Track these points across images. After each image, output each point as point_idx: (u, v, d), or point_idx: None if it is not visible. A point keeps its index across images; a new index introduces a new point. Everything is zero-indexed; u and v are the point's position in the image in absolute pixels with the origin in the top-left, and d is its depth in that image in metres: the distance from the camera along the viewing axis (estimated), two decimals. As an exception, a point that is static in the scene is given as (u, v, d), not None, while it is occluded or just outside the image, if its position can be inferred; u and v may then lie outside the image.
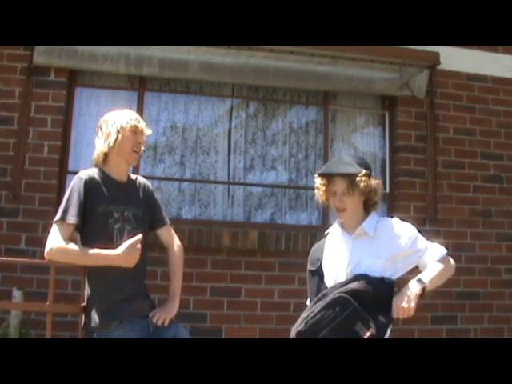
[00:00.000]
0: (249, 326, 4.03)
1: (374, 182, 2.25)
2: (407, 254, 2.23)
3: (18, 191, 3.90)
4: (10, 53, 4.02)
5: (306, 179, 4.57)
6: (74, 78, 4.23)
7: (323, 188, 2.30)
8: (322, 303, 2.07)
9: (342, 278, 2.18)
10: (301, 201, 4.53)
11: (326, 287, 2.20)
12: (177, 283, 2.55)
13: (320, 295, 2.15)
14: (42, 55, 4.01)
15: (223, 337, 3.98)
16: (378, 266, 2.17)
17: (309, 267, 2.36)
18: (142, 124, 2.51)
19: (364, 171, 2.23)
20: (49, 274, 2.42)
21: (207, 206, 4.40)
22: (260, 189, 4.52)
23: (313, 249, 2.43)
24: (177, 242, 2.64)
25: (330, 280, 2.22)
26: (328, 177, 2.28)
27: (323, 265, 2.29)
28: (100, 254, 2.29)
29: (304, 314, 2.13)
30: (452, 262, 2.29)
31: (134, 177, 2.59)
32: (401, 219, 2.36)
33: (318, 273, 2.28)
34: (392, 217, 2.41)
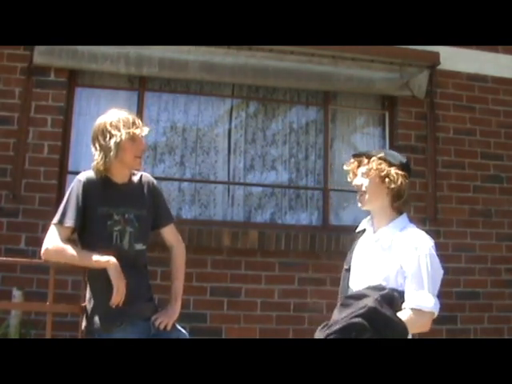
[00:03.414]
0: (249, 326, 4.03)
1: (394, 171, 2.15)
2: (404, 275, 2.06)
3: (18, 191, 3.90)
4: (9, 53, 4.02)
5: (305, 179, 4.57)
6: (74, 78, 4.23)
7: (352, 171, 2.27)
8: (340, 320, 1.91)
9: (359, 285, 2.11)
10: (301, 201, 4.52)
11: (348, 291, 2.15)
12: (179, 284, 2.54)
13: (340, 303, 2.04)
14: (42, 55, 4.01)
15: (223, 337, 3.98)
16: (387, 276, 2.06)
17: (344, 265, 2.29)
18: (139, 129, 2.41)
19: (382, 155, 2.17)
20: (49, 274, 2.43)
21: (207, 205, 4.40)
22: (260, 189, 4.52)
23: (352, 246, 2.34)
24: (180, 241, 2.62)
25: (352, 284, 2.17)
26: (356, 159, 2.25)
27: (352, 266, 2.22)
28: (91, 259, 2.29)
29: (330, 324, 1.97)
30: (426, 323, 2.05)
31: (137, 175, 2.53)
32: (428, 234, 2.20)
33: (348, 272, 2.22)
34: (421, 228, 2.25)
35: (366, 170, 2.19)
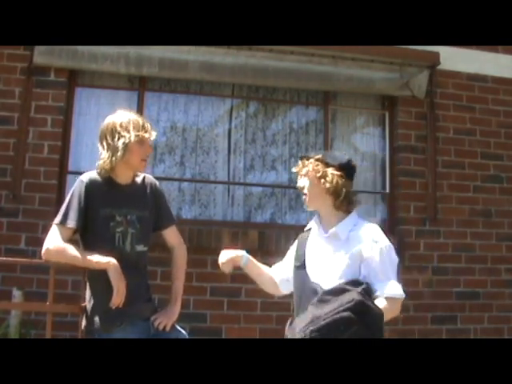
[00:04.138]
0: (249, 326, 4.03)
1: (331, 171, 2.20)
2: (367, 268, 2.12)
3: (18, 191, 3.90)
4: (9, 53, 4.02)
5: (306, 179, 4.56)
6: (74, 78, 4.23)
7: (298, 173, 2.35)
8: (324, 316, 1.95)
9: (324, 280, 2.14)
10: (301, 201, 4.45)
11: (314, 286, 2.16)
12: (179, 285, 2.54)
13: (317, 299, 2.06)
14: (42, 55, 4.01)
15: (223, 337, 3.98)
16: (352, 268, 2.12)
17: (294, 262, 2.33)
18: (148, 133, 2.42)
19: (319, 156, 2.26)
20: (49, 274, 2.43)
21: (207, 205, 4.40)
22: (260, 189, 4.52)
23: (297, 242, 2.40)
24: (182, 242, 2.62)
25: (316, 279, 2.18)
26: (301, 161, 2.33)
27: (307, 262, 2.26)
28: (92, 260, 2.29)
29: (301, 322, 2.00)
30: (398, 309, 2.13)
31: (140, 176, 2.53)
32: (382, 229, 2.24)
33: (302, 268, 2.25)
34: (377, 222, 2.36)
35: (305, 172, 2.28)
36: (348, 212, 2.26)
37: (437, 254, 4.47)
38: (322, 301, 2.03)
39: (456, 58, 4.65)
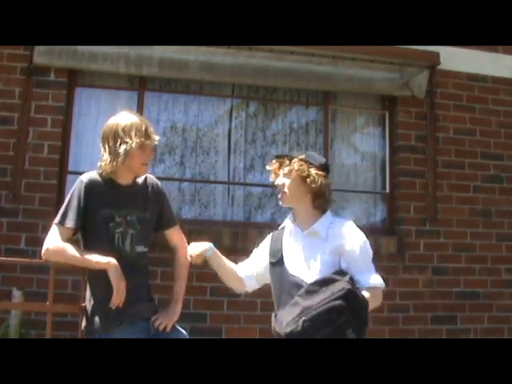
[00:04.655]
0: (249, 326, 4.03)
1: (314, 171, 2.25)
2: (351, 261, 2.19)
3: (18, 191, 3.90)
4: (10, 53, 4.02)
5: (306, 179, 4.56)
6: (74, 78, 4.23)
7: (274, 171, 2.38)
8: (315, 306, 2.01)
9: (308, 273, 2.19)
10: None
11: (295, 280, 2.20)
12: (181, 286, 2.54)
13: (305, 291, 2.11)
14: (42, 55, 4.01)
15: (223, 337, 3.98)
16: (332, 262, 2.18)
17: (270, 258, 2.36)
18: (150, 139, 2.41)
19: (303, 156, 2.29)
20: (49, 274, 2.43)
21: (207, 206, 4.40)
22: (260, 189, 4.52)
23: (270, 239, 2.44)
24: (184, 242, 2.62)
25: (297, 273, 2.22)
26: (278, 160, 2.37)
27: (285, 258, 2.29)
28: (92, 260, 2.29)
29: (290, 314, 2.07)
30: (380, 298, 2.22)
31: (142, 177, 2.52)
32: (357, 226, 2.31)
33: (280, 264, 2.29)
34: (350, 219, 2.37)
35: (288, 171, 2.30)
36: (324, 211, 2.31)
37: (437, 254, 4.47)
38: (310, 292, 2.08)
39: (456, 58, 4.65)
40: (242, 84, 4.51)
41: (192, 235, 3.93)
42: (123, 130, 2.35)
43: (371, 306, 2.12)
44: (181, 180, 4.38)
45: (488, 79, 4.80)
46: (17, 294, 3.38)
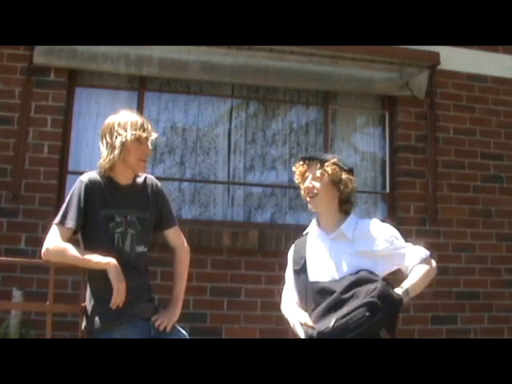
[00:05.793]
0: (249, 326, 4.03)
1: (346, 175, 2.26)
2: (388, 255, 2.21)
3: (18, 191, 3.90)
4: (9, 53, 4.02)
5: (306, 179, 4.57)
6: (73, 78, 4.23)
7: (300, 172, 2.36)
8: (347, 305, 2.02)
9: (330, 277, 2.17)
10: (301, 201, 4.50)
11: (314, 287, 2.18)
12: (181, 286, 2.53)
13: (334, 300, 2.09)
14: (42, 55, 4.01)
15: (223, 337, 3.98)
16: (358, 263, 2.17)
17: (294, 267, 2.35)
18: (146, 132, 2.42)
19: (336, 160, 2.28)
20: (49, 274, 2.42)
21: (207, 205, 4.40)
22: (260, 189, 4.52)
23: (294, 248, 2.43)
24: (184, 244, 2.61)
25: (319, 279, 2.21)
26: (306, 162, 2.34)
27: (307, 264, 2.28)
28: (92, 260, 2.29)
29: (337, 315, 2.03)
30: (434, 263, 2.25)
31: (142, 177, 2.53)
32: (381, 220, 2.36)
33: (303, 271, 2.28)
34: (372, 218, 2.41)
35: (320, 174, 2.27)
36: (348, 213, 2.31)
37: (437, 254, 4.44)
38: (341, 301, 2.06)
39: (456, 58, 4.65)
40: (242, 84, 4.51)
41: (192, 235, 3.96)
42: (119, 124, 2.39)
43: (431, 275, 2.20)
44: (181, 180, 4.38)
45: (488, 79, 4.79)
46: (17, 294, 3.38)
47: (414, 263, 2.20)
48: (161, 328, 2.37)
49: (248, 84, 4.50)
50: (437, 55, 4.57)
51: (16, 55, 4.02)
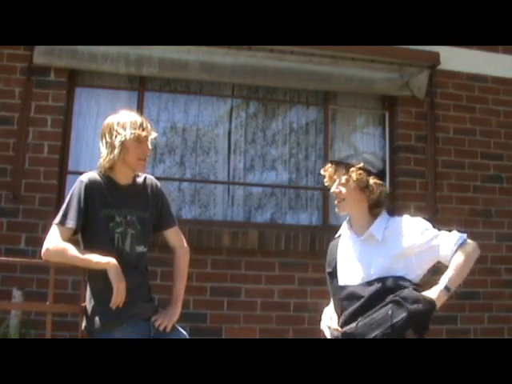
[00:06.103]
0: (249, 326, 4.03)
1: (372, 180, 2.18)
2: (421, 250, 2.15)
3: (18, 191, 3.90)
4: (9, 53, 4.02)
5: (305, 179, 4.57)
6: (73, 78, 4.23)
7: (329, 175, 2.30)
8: (373, 310, 2.01)
9: (358, 281, 2.15)
10: (301, 201, 4.53)
11: (342, 290, 2.17)
12: (180, 286, 2.53)
13: (345, 294, 2.11)
14: (42, 55, 4.01)
15: (223, 337, 3.98)
16: (388, 266, 2.12)
17: (327, 269, 2.32)
18: (145, 131, 2.42)
19: (362, 165, 2.19)
20: (49, 274, 2.42)
21: (207, 205, 4.40)
22: (260, 189, 4.52)
23: (329, 250, 2.39)
24: (184, 244, 2.61)
25: (347, 282, 2.19)
26: (333, 165, 2.29)
27: (338, 267, 2.26)
28: (92, 260, 2.29)
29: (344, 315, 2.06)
30: (472, 245, 2.22)
31: (142, 177, 2.53)
32: (411, 215, 2.28)
33: (335, 274, 2.25)
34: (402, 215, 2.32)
35: (345, 180, 2.21)
36: (378, 215, 2.25)
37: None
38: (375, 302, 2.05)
39: (456, 58, 4.64)
40: (242, 84, 4.51)
41: (192, 235, 3.96)
42: (118, 123, 2.40)
43: (473, 259, 2.21)
44: (181, 180, 4.38)
45: (488, 79, 4.79)
46: (17, 294, 3.38)
47: (451, 253, 2.14)
48: (161, 328, 2.37)
49: (248, 84, 4.50)
50: (437, 55, 4.56)
51: (16, 55, 4.02)
